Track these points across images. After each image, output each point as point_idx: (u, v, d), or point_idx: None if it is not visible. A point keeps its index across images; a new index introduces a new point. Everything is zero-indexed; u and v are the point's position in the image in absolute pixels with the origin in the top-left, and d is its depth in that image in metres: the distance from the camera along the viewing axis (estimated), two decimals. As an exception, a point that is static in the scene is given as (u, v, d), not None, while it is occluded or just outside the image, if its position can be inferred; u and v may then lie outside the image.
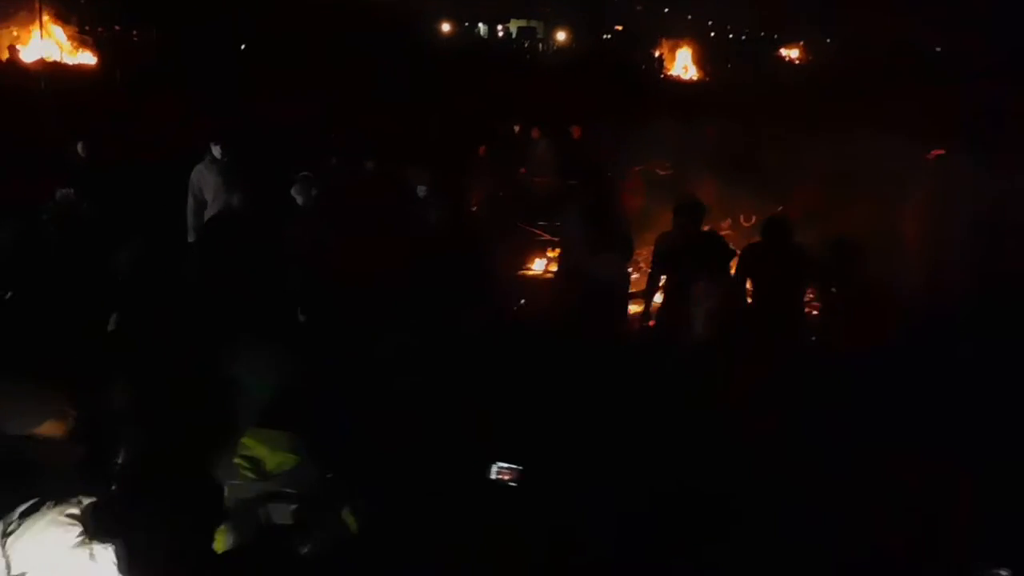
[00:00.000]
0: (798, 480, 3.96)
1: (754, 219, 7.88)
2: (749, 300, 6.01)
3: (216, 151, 6.52)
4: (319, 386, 2.83)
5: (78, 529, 2.13)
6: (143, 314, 4.47)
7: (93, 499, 2.21)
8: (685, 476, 3.98)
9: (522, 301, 7.39)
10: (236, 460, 2.35)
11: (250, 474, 2.32)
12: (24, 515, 2.16)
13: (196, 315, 4.30)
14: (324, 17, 17.32)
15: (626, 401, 4.90)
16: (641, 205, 9.03)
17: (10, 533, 2.15)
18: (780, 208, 8.13)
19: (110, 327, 4.51)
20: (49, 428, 2.43)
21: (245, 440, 2.39)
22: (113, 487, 2.62)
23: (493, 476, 1.79)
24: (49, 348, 3.80)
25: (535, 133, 10.09)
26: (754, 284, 5.69)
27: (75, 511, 2.18)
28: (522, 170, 9.97)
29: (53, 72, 13.58)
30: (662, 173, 8.38)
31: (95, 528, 2.13)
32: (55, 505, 2.19)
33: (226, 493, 2.38)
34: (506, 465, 1.81)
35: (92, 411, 2.80)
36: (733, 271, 5.93)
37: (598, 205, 6.28)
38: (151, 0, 16.25)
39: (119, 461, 2.69)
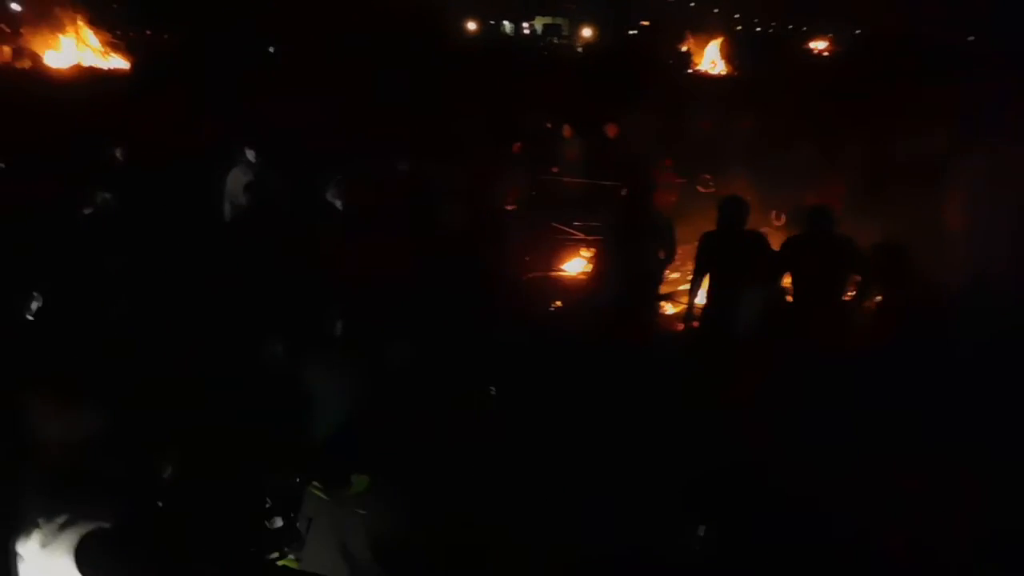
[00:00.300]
0: (852, 478, 3.90)
1: (784, 218, 7.77)
2: (790, 297, 5.94)
3: (250, 155, 6.54)
4: (383, 404, 2.81)
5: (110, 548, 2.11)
6: (194, 321, 4.48)
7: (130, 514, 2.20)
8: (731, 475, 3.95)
9: (557, 303, 7.35)
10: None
11: (323, 495, 2.31)
12: (63, 527, 2.16)
13: (245, 322, 4.31)
14: (352, 17, 17.35)
15: (667, 401, 4.87)
16: (676, 201, 8.99)
17: (47, 546, 2.15)
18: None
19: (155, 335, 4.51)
20: (92, 436, 2.42)
21: (324, 462, 2.38)
22: (159, 502, 2.60)
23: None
24: (93, 353, 3.81)
25: (567, 131, 10.00)
26: (795, 279, 5.60)
27: (107, 526, 2.16)
28: (553, 169, 9.92)
29: (86, 77, 13.77)
30: (703, 191, 8.31)
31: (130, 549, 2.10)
32: (90, 520, 2.18)
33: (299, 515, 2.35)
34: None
35: (138, 421, 2.80)
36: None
37: (640, 204, 6.20)
38: (181, 4, 16.40)
39: (166, 475, 2.67)
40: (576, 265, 8.17)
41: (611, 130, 9.90)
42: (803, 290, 5.52)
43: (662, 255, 6.18)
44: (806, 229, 5.54)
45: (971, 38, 28.61)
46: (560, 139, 10.09)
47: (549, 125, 10.38)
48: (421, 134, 8.70)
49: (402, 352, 3.82)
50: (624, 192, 7.18)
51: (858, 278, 5.53)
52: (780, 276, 5.68)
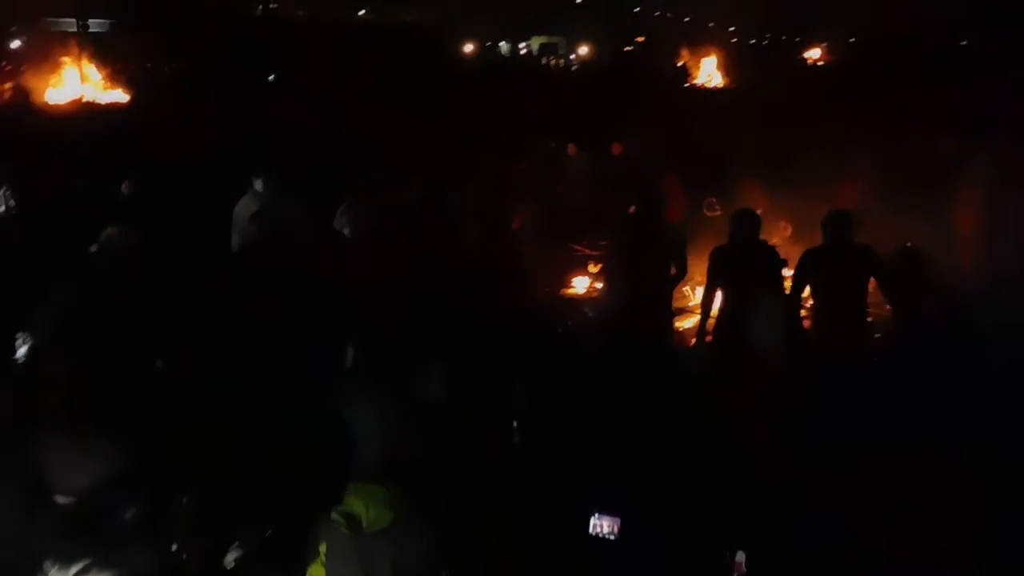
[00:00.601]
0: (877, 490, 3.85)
1: (790, 230, 7.76)
2: (807, 308, 5.91)
3: (258, 184, 6.53)
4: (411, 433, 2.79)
5: None
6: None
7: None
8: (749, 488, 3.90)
9: (568, 322, 7.31)
10: (334, 515, 2.31)
11: (345, 529, 2.27)
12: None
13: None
14: (352, 41, 17.47)
15: (683, 415, 4.81)
16: (683, 215, 8.98)
17: None
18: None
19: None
20: (112, 481, 2.39)
21: (347, 496, 2.34)
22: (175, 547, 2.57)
23: (592, 530, 1.69)
24: (111, 393, 3.77)
25: (571, 150, 9.99)
26: (814, 289, 5.56)
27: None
28: (559, 188, 9.91)
29: (87, 111, 13.84)
30: (709, 214, 8.31)
31: None
32: (104, 569, 2.19)
33: (323, 548, 2.33)
34: (606, 516, 1.71)
35: (157, 465, 2.77)
36: (788, 280, 5.82)
37: (648, 221, 6.19)
38: (180, 36, 16.50)
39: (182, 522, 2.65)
40: (586, 283, 8.15)
41: (616, 148, 9.89)
42: (823, 301, 5.47)
43: (673, 271, 6.17)
44: (824, 238, 5.50)
45: (964, 43, 28.78)
46: (565, 157, 10.08)
47: (553, 144, 10.39)
48: (427, 156, 8.71)
49: (424, 377, 3.82)
50: (631, 209, 7.17)
51: (877, 287, 5.48)
52: (799, 288, 5.63)
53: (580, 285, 8.19)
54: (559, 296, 7.95)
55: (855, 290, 5.35)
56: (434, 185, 7.20)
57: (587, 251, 8.47)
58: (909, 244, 5.40)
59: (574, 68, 31.67)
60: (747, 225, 5.70)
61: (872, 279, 5.42)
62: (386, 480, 2.39)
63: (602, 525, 1.70)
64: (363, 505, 2.32)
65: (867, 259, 5.37)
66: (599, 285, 7.82)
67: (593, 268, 8.22)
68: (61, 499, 2.35)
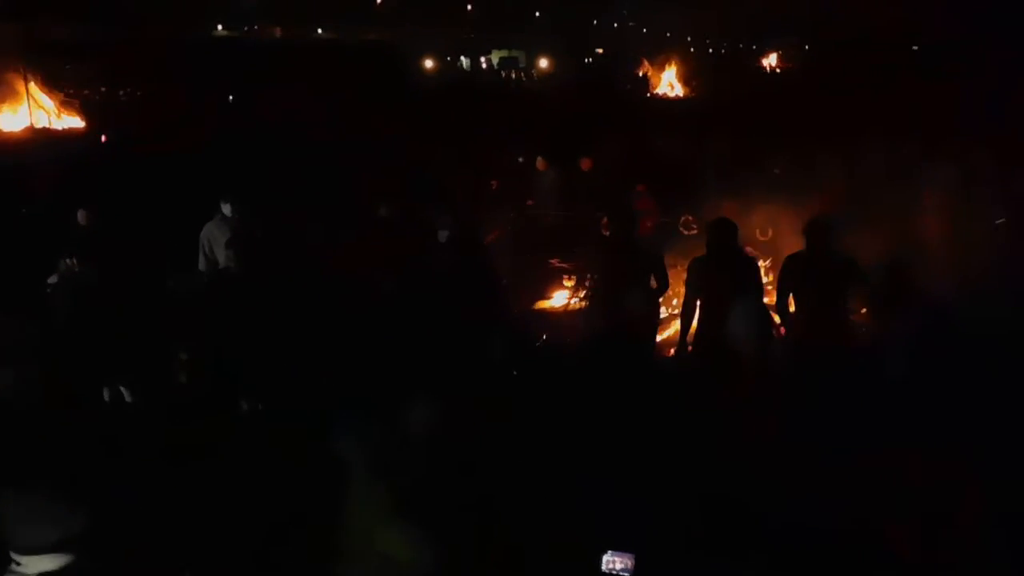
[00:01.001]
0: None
1: (771, 232, 7.73)
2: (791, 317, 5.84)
3: (226, 209, 6.36)
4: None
5: None
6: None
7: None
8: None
9: (544, 336, 7.20)
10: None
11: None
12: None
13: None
14: (312, 62, 17.29)
15: (669, 430, 4.71)
16: (656, 225, 8.93)
17: None
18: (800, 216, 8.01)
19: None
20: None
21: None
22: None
23: (605, 567, 1.56)
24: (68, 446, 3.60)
25: (540, 164, 9.89)
26: (797, 299, 5.49)
27: None
28: (528, 202, 9.81)
29: (41, 139, 13.49)
30: (687, 233, 8.28)
31: None
32: None
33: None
34: (619, 554, 1.58)
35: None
36: (771, 287, 5.76)
37: (621, 234, 6.09)
38: (136, 61, 16.22)
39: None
40: (563, 296, 8.05)
41: (584, 163, 9.81)
42: (805, 309, 5.41)
43: (654, 284, 6.08)
44: (806, 246, 5.43)
45: (915, 48, 29.40)
46: (534, 173, 9.97)
47: (521, 159, 10.29)
48: (396, 175, 8.57)
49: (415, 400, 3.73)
50: (603, 222, 7.07)
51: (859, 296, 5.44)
52: (784, 295, 5.54)
53: (558, 299, 8.09)
54: (535, 310, 7.83)
55: (838, 299, 5.28)
56: (403, 206, 7.06)
57: (562, 264, 8.39)
58: (895, 257, 5.33)
59: (536, 81, 31.70)
60: (723, 234, 5.63)
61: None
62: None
63: (615, 563, 1.56)
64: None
65: (850, 269, 5.29)
66: (576, 299, 7.73)
67: (568, 282, 8.14)
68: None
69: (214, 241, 6.43)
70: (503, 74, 34.36)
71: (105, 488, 2.61)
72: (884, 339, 5.04)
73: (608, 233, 6.48)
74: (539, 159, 9.82)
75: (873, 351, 5.20)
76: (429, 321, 5.18)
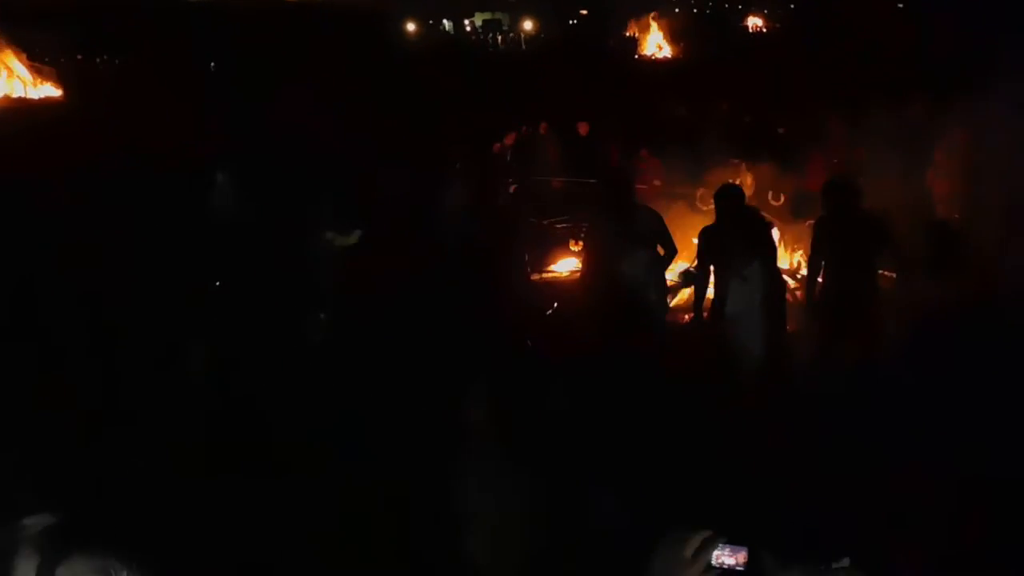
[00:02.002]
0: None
1: (783, 198, 7.55)
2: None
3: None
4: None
5: None
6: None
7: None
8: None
9: (555, 304, 7.04)
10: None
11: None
12: None
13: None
14: (294, 28, 16.83)
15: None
16: (659, 190, 8.72)
17: None
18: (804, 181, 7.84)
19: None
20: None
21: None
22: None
23: (715, 562, 1.40)
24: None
25: (543, 128, 9.58)
26: (826, 262, 5.25)
27: None
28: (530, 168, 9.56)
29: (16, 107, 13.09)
30: (704, 208, 7.95)
31: None
32: None
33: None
34: (731, 547, 1.42)
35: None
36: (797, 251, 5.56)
37: (622, 199, 5.73)
38: (112, 27, 15.70)
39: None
40: (570, 264, 7.88)
41: (582, 127, 9.55)
42: (830, 274, 5.21)
43: (660, 251, 5.87)
44: (825, 208, 5.20)
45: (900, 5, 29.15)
46: (536, 138, 9.69)
47: (524, 128, 9.96)
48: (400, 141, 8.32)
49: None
50: (606, 187, 6.73)
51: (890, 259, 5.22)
52: (816, 261, 5.33)
53: (563, 265, 7.92)
54: (543, 279, 7.66)
55: (863, 261, 5.07)
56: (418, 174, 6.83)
57: (561, 225, 8.21)
58: (936, 218, 5.12)
59: (522, 44, 31.22)
60: (732, 200, 5.42)
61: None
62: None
63: (726, 557, 1.41)
64: None
65: (876, 229, 5.04)
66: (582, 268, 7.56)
67: (575, 247, 7.97)
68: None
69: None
70: (488, 37, 33.78)
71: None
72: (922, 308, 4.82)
73: (603, 200, 6.07)
74: (542, 123, 9.51)
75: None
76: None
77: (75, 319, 5.40)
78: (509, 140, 9.41)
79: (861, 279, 5.02)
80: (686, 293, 6.69)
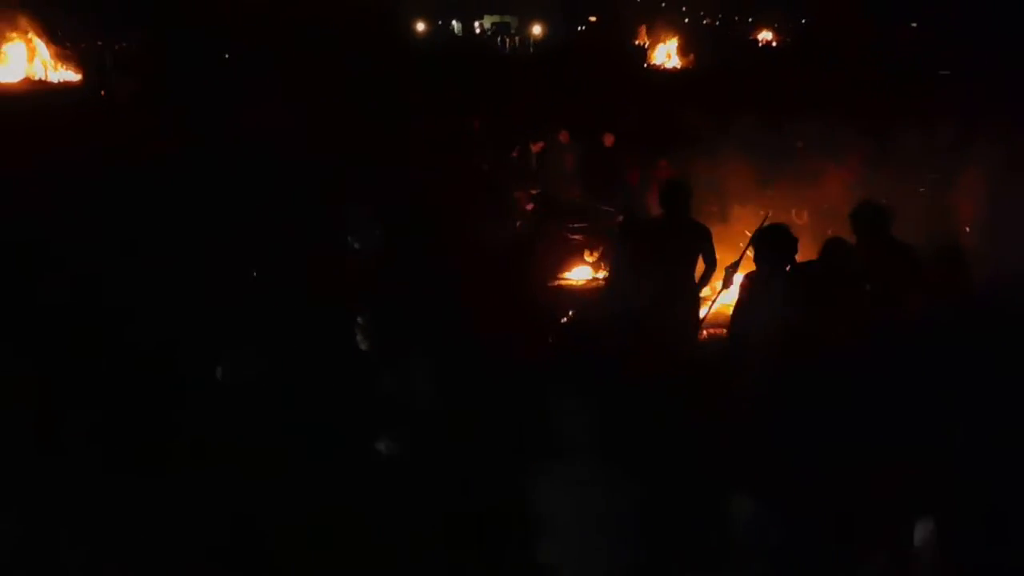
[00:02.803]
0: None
1: (806, 215, 7.55)
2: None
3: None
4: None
5: None
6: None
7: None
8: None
9: (570, 313, 7.13)
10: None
11: None
12: None
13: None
14: (307, 24, 16.93)
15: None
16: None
17: None
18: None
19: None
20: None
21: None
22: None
23: None
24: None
25: (564, 137, 9.59)
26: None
27: None
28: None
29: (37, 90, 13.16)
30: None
31: None
32: None
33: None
34: None
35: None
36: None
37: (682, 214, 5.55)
38: (133, 13, 15.76)
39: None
40: (584, 272, 7.97)
41: (607, 139, 9.56)
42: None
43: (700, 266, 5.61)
44: (858, 232, 4.96)
45: (914, 24, 29.39)
46: (558, 146, 9.71)
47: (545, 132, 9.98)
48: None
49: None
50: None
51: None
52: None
53: (578, 273, 8.02)
54: (558, 285, 7.75)
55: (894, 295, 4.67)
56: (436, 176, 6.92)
57: (575, 236, 8.30)
58: (944, 241, 5.12)
59: (531, 48, 31.32)
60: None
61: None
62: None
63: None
64: None
65: (908, 259, 4.78)
66: (599, 275, 7.65)
67: (590, 257, 8.06)
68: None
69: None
70: (497, 39, 33.89)
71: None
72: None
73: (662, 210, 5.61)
74: (563, 131, 9.52)
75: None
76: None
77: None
78: (536, 148, 9.44)
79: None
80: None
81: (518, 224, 6.74)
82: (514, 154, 9.26)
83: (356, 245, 5.29)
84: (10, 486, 3.68)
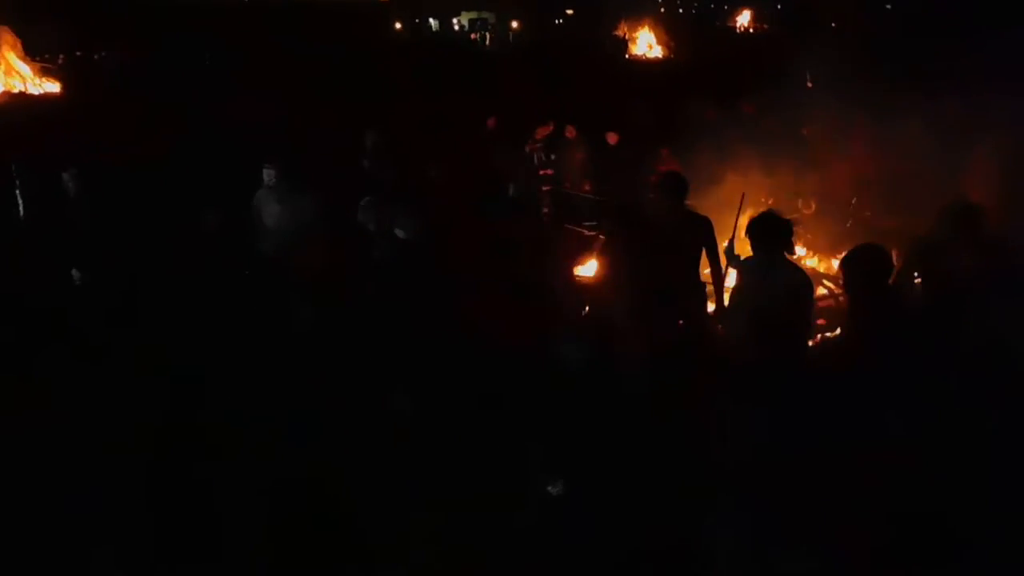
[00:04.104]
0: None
1: (814, 205, 7.44)
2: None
3: (267, 176, 6.10)
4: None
5: None
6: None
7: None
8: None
9: (586, 308, 7.03)
10: None
11: None
12: None
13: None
14: (290, 25, 16.75)
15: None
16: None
17: None
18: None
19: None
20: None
21: None
22: None
23: None
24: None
25: (570, 132, 9.44)
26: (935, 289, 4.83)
27: None
28: (548, 172, 9.50)
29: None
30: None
31: None
32: None
33: None
34: None
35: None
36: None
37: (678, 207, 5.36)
38: (110, 23, 15.52)
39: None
40: (595, 266, 7.87)
41: (611, 137, 9.41)
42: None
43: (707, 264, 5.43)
44: (950, 229, 4.73)
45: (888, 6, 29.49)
46: (562, 143, 9.58)
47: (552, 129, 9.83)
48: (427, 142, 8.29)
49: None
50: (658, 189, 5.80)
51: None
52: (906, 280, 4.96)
53: (591, 267, 7.91)
54: (573, 280, 7.65)
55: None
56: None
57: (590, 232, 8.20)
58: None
59: (510, 41, 31.18)
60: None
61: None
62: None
63: None
64: None
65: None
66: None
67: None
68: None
69: (263, 210, 6.18)
70: (475, 35, 33.73)
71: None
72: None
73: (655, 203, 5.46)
74: (568, 127, 9.38)
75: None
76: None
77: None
78: (543, 134, 9.26)
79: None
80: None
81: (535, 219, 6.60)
82: (529, 148, 9.11)
83: (400, 235, 5.24)
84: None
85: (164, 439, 4.33)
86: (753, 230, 4.68)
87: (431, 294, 4.77)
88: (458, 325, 4.86)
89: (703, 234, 5.41)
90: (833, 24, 22.41)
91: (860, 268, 4.07)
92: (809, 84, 9.62)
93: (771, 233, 4.63)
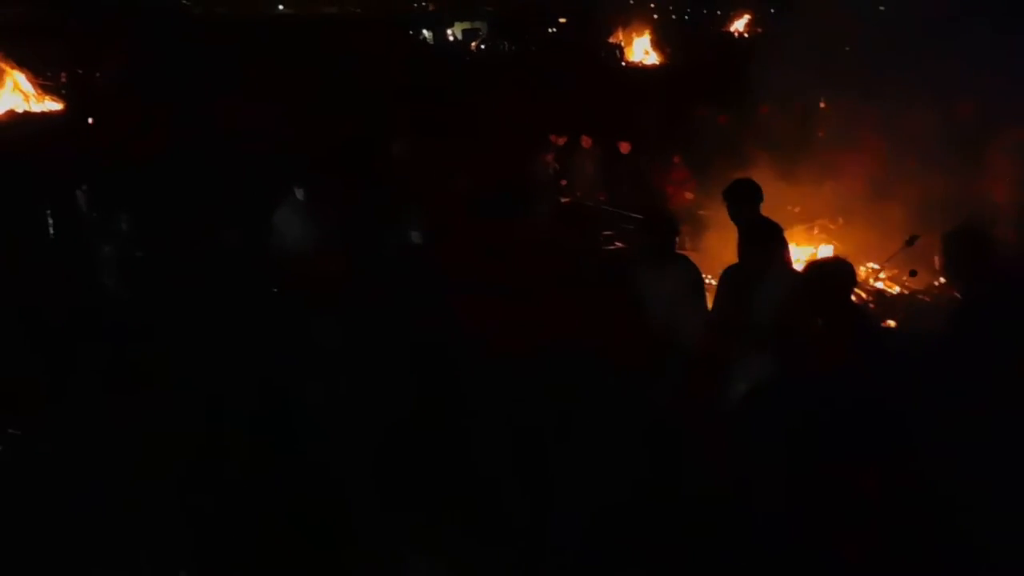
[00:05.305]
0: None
1: (841, 220, 7.40)
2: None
3: (299, 194, 6.13)
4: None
5: None
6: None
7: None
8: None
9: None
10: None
11: None
12: None
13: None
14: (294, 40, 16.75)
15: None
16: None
17: None
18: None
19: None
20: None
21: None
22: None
23: None
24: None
25: (585, 142, 9.42)
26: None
27: None
28: (562, 182, 9.47)
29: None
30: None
31: None
32: None
33: None
34: None
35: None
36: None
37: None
38: (109, 39, 15.53)
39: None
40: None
41: (623, 146, 9.41)
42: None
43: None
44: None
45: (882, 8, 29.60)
46: (577, 152, 9.54)
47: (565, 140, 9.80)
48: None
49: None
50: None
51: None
52: None
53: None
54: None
55: None
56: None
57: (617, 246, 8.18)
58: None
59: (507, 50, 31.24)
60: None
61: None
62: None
63: None
64: None
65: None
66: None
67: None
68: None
69: (287, 226, 6.16)
70: (470, 45, 33.80)
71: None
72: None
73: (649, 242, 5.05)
74: (583, 137, 9.35)
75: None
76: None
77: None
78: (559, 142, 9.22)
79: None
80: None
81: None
82: (547, 157, 9.09)
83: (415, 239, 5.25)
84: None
85: (192, 451, 4.30)
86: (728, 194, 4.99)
87: (433, 296, 4.77)
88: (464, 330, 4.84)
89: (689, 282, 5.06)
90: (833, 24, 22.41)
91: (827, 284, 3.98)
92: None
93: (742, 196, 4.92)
